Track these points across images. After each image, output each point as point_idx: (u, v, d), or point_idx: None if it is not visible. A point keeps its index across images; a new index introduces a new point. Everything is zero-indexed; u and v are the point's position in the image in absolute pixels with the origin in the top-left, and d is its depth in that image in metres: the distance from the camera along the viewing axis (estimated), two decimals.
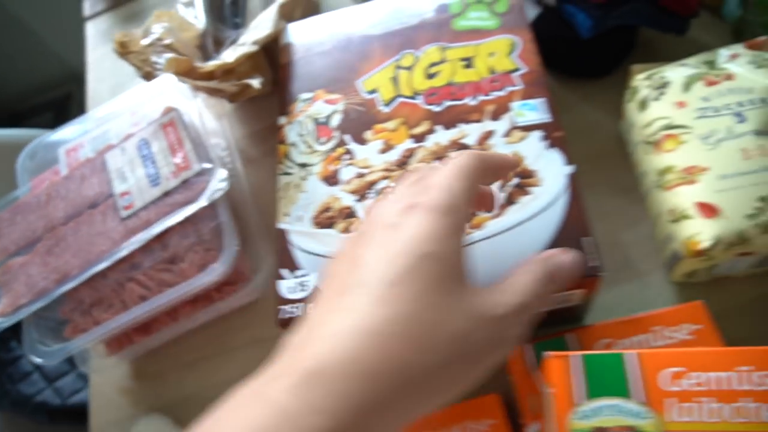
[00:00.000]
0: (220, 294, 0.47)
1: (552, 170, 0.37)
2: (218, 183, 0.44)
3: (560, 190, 0.36)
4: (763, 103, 0.38)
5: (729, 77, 0.40)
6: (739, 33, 0.46)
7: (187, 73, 0.41)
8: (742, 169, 0.36)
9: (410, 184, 0.25)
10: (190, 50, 0.48)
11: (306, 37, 0.49)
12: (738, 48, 0.41)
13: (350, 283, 0.20)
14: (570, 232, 0.35)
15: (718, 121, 0.38)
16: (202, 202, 0.44)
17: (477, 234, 0.36)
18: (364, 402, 0.18)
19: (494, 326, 0.21)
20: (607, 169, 0.48)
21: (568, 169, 0.37)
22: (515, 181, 0.37)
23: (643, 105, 0.41)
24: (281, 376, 0.19)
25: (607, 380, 0.32)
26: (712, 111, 0.38)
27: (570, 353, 0.33)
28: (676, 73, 0.41)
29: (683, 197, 0.37)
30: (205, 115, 0.55)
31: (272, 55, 0.49)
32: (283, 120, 0.45)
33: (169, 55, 0.40)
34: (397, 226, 0.21)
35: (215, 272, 0.43)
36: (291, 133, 0.44)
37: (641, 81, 0.42)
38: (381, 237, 0.21)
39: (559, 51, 0.52)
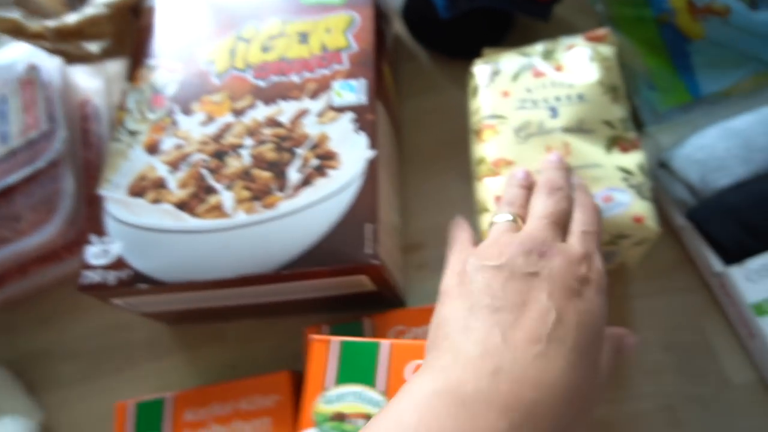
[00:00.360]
0: (70, 253, 0.48)
1: (354, 153, 0.37)
2: (58, 145, 0.45)
3: (357, 174, 0.36)
4: (578, 100, 0.37)
5: (559, 68, 0.39)
6: (603, 22, 0.44)
7: (14, 31, 0.41)
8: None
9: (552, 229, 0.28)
10: (55, 7, 0.47)
11: (169, 1, 0.48)
12: (577, 39, 0.40)
13: (545, 333, 0.23)
14: (356, 217, 0.35)
15: (534, 114, 0.37)
16: (40, 164, 0.44)
17: (269, 213, 0.36)
18: None
19: (600, 396, 0.25)
20: (462, 155, 0.48)
21: (369, 154, 0.36)
22: (315, 162, 0.37)
23: (475, 92, 0.40)
24: (503, 407, 0.21)
25: (359, 368, 0.32)
26: (531, 104, 0.37)
27: (331, 338, 0.33)
28: (510, 61, 0.40)
29: (487, 189, 0.37)
30: (83, 74, 0.55)
31: None
32: (126, 86, 0.44)
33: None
34: (580, 294, 0.24)
35: (46, 233, 0.44)
36: (130, 100, 0.43)
37: (478, 67, 0.41)
38: (567, 298, 0.24)
39: (430, 30, 0.50)
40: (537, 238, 0.26)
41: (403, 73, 0.52)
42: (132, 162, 0.40)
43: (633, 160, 0.36)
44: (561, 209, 0.29)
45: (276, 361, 0.44)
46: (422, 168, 0.48)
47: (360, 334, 0.38)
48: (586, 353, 0.23)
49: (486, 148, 0.38)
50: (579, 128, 0.36)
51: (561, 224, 0.28)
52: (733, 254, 0.36)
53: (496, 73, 0.40)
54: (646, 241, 0.35)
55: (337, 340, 0.33)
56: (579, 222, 0.28)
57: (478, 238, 0.38)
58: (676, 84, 0.40)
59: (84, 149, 0.51)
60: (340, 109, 0.38)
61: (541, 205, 0.29)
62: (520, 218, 0.30)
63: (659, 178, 0.40)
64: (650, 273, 0.40)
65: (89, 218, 0.45)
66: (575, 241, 0.27)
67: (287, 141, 0.38)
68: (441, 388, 0.22)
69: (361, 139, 0.37)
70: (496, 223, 0.30)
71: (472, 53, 0.48)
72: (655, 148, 0.41)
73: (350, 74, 0.39)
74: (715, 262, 0.37)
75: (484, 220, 0.36)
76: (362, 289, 0.38)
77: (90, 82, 0.56)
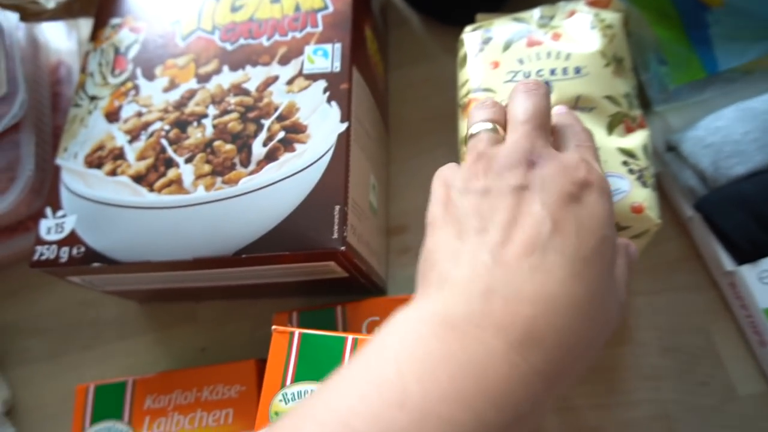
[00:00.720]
0: (36, 223, 0.46)
1: (325, 127, 0.33)
2: (17, 109, 0.42)
3: (326, 150, 0.32)
4: (575, 73, 0.32)
5: (557, 37, 0.34)
6: None
7: None
8: None
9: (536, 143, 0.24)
10: None
11: None
12: (578, 4, 0.35)
13: (540, 244, 0.20)
14: (324, 197, 0.31)
15: None
16: None
17: (230, 190, 0.33)
18: (565, 369, 0.19)
19: (621, 314, 0.23)
20: (454, 130, 0.44)
21: (341, 127, 0.33)
22: (281, 134, 0.33)
23: (463, 62, 0.36)
24: (497, 327, 0.19)
25: (321, 363, 0.29)
26: (522, 76, 0.33)
27: (293, 329, 0.30)
28: (503, 28, 0.36)
29: None
30: (60, 35, 0.51)
31: None
32: (88, 46, 0.41)
33: None
34: (579, 199, 0.21)
35: (6, 202, 0.41)
36: (92, 62, 0.40)
37: (468, 34, 0.37)
38: (564, 205, 0.21)
39: None
40: (523, 147, 0.23)
41: (392, 39, 0.48)
42: (90, 129, 0.37)
43: (637, 141, 0.32)
44: (543, 109, 0.25)
45: (248, 345, 0.42)
46: (409, 143, 0.44)
47: (331, 323, 0.35)
48: (594, 261, 0.20)
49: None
50: (576, 105, 0.32)
51: (546, 127, 0.25)
52: (746, 252, 0.32)
53: (486, 42, 0.36)
54: (646, 234, 0.31)
55: (298, 332, 0.30)
56: (571, 139, 0.25)
57: None
58: (689, 58, 0.35)
59: (54, 114, 0.48)
60: (312, 77, 0.34)
61: (521, 108, 0.25)
62: (500, 126, 0.26)
63: (667, 163, 0.36)
64: (653, 268, 0.37)
65: (50, 189, 0.42)
66: (569, 152, 0.24)
67: (253, 111, 0.34)
68: (426, 314, 0.20)
69: (333, 111, 0.33)
70: (475, 134, 0.26)
71: (468, 20, 0.44)
72: (664, 129, 0.37)
73: (324, 38, 0.35)
74: (726, 260, 0.33)
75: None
76: (334, 275, 0.35)
77: (65, 43, 0.52)
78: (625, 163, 0.31)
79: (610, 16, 0.34)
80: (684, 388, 0.34)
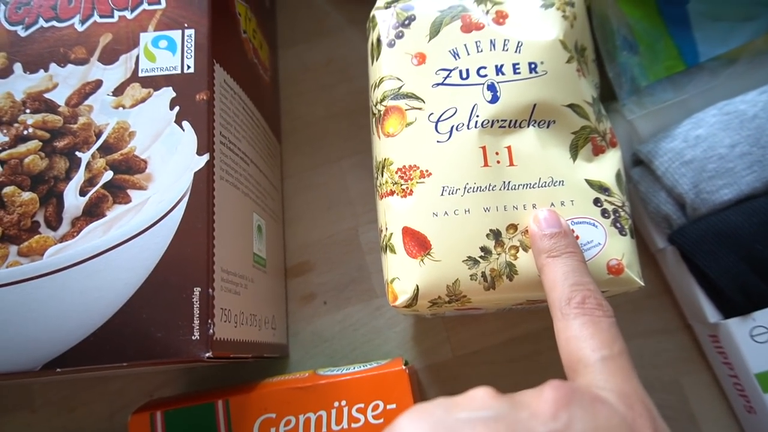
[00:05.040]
0: None
1: (174, 162, 0.22)
2: None
3: (177, 199, 0.22)
4: (530, 73, 0.24)
5: (502, 18, 0.25)
6: None
7: None
8: (474, 181, 0.23)
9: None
10: None
11: None
12: None
13: None
14: (175, 275, 0.21)
15: (463, 94, 0.24)
16: None
17: (31, 267, 0.21)
18: None
19: None
20: (365, 130, 0.34)
21: (199, 162, 0.22)
22: (108, 175, 0.22)
23: (377, 50, 0.26)
24: None
25: None
26: (458, 76, 0.24)
27: (156, 410, 0.21)
28: (429, 2, 0.26)
29: (392, 215, 0.24)
30: None
31: None
32: None
33: None
34: None
35: None
36: None
37: (381, 11, 0.26)
38: None
39: None
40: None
41: (281, 8, 0.36)
42: None
43: (609, 168, 0.24)
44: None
45: None
46: (308, 150, 0.34)
47: (210, 425, 0.26)
48: None
49: (389, 147, 0.24)
50: (530, 118, 0.23)
51: None
52: (732, 299, 0.26)
53: (406, 23, 0.25)
54: (623, 293, 0.24)
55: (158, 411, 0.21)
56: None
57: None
58: (666, 45, 0.27)
59: None
60: (153, 82, 0.23)
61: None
62: None
63: (635, 180, 0.29)
64: (615, 309, 0.30)
65: None
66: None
67: (63, 138, 0.23)
68: None
69: (187, 137, 0.23)
70: None
71: None
72: (629, 135, 0.29)
73: (170, 20, 0.24)
74: (708, 308, 0.26)
75: (388, 263, 0.24)
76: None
77: None
78: (597, 202, 0.23)
79: None
80: None
